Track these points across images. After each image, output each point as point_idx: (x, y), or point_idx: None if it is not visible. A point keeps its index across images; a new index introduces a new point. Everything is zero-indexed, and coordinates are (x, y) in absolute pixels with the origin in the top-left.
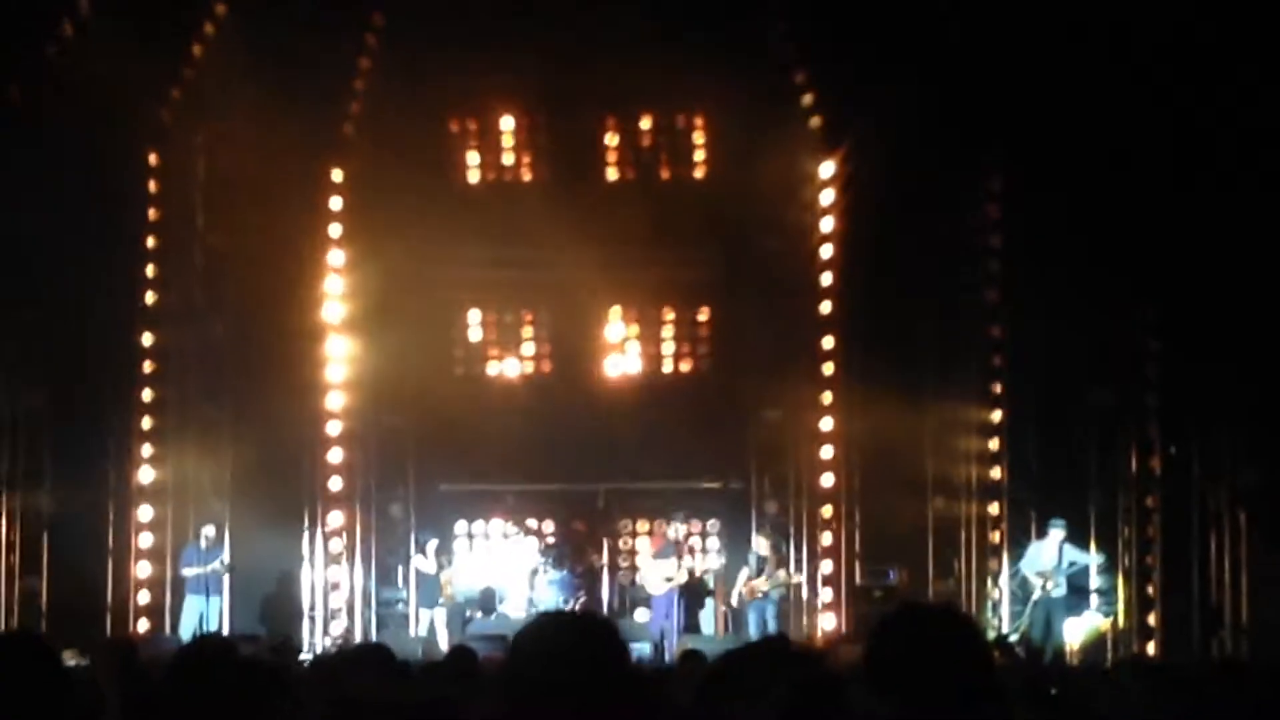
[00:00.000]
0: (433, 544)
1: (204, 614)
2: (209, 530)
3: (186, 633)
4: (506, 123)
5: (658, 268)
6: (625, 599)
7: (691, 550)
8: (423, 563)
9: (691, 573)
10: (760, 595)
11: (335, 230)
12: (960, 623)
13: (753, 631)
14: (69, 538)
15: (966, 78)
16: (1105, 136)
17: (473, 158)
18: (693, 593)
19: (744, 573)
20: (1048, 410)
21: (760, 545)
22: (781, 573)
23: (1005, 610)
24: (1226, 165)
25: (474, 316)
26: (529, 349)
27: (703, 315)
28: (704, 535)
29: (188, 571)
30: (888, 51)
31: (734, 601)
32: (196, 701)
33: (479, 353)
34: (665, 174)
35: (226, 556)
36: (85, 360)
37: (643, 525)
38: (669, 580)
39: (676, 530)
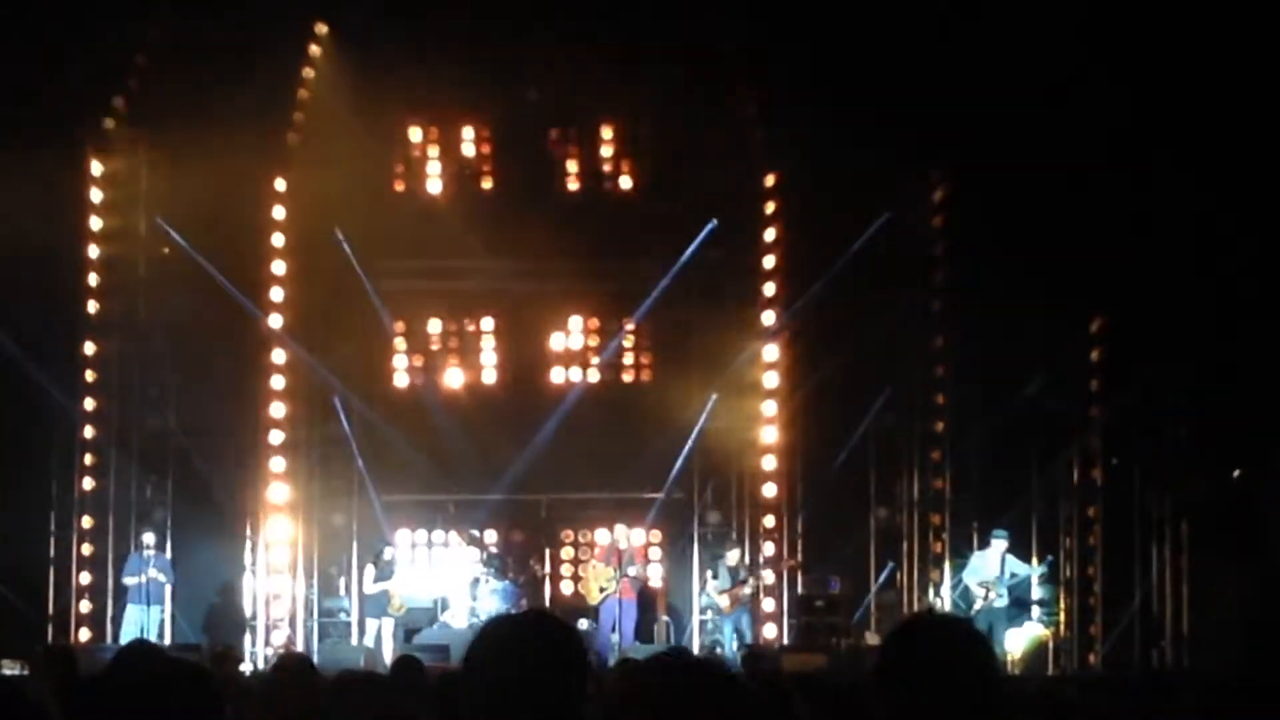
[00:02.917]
0: (389, 550)
1: (144, 623)
2: (149, 538)
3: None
4: (451, 133)
5: (601, 278)
6: (566, 609)
7: (634, 559)
8: (373, 573)
9: (635, 579)
10: (741, 605)
11: (279, 240)
12: (976, 638)
13: (727, 642)
14: (10, 546)
15: (910, 86)
16: (1050, 146)
17: (417, 168)
18: (644, 602)
19: (713, 584)
20: (990, 420)
21: (731, 556)
22: (753, 580)
23: None
24: (1173, 177)
25: (417, 326)
26: (473, 359)
27: (646, 326)
28: (646, 546)
29: (128, 580)
30: (831, 62)
31: (707, 613)
32: (131, 707)
33: (423, 362)
34: (609, 185)
35: (168, 565)
36: (27, 369)
37: (585, 535)
38: (603, 590)
39: (624, 538)
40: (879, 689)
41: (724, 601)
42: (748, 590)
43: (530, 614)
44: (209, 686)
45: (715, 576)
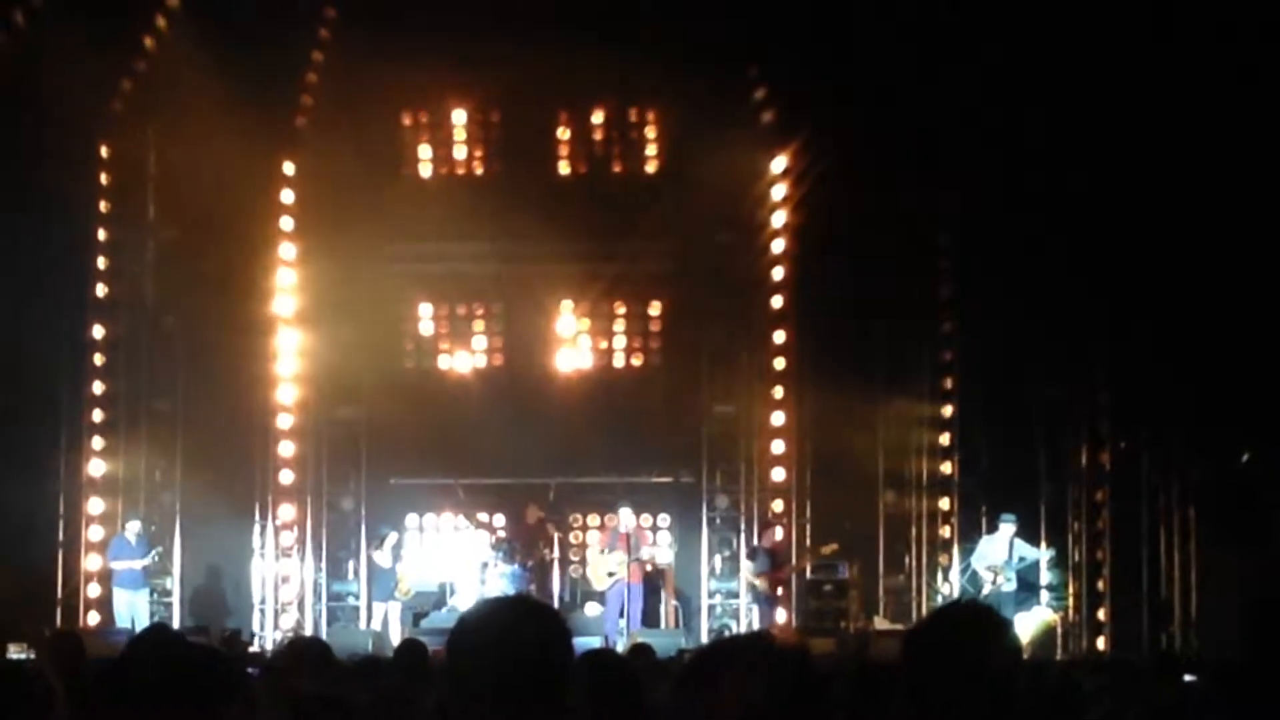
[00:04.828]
0: (391, 537)
1: (134, 606)
2: (134, 524)
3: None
4: (459, 116)
5: (610, 262)
6: (576, 593)
7: (644, 542)
8: (379, 556)
9: (643, 564)
10: (780, 587)
11: (287, 223)
12: (1004, 627)
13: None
14: (19, 530)
15: (920, 71)
16: (1057, 135)
17: (425, 151)
18: (650, 586)
19: (748, 566)
20: (999, 405)
21: (769, 538)
22: (794, 562)
23: None
24: (1175, 168)
25: (425, 310)
26: (481, 343)
27: (655, 309)
28: (655, 529)
29: (115, 565)
30: (841, 46)
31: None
32: (145, 693)
33: (430, 346)
34: (618, 168)
35: (149, 549)
36: (36, 353)
37: (593, 519)
38: (612, 575)
39: (624, 522)
40: (907, 677)
41: (762, 584)
42: (792, 567)
43: (509, 598)
44: (227, 670)
45: (752, 559)
